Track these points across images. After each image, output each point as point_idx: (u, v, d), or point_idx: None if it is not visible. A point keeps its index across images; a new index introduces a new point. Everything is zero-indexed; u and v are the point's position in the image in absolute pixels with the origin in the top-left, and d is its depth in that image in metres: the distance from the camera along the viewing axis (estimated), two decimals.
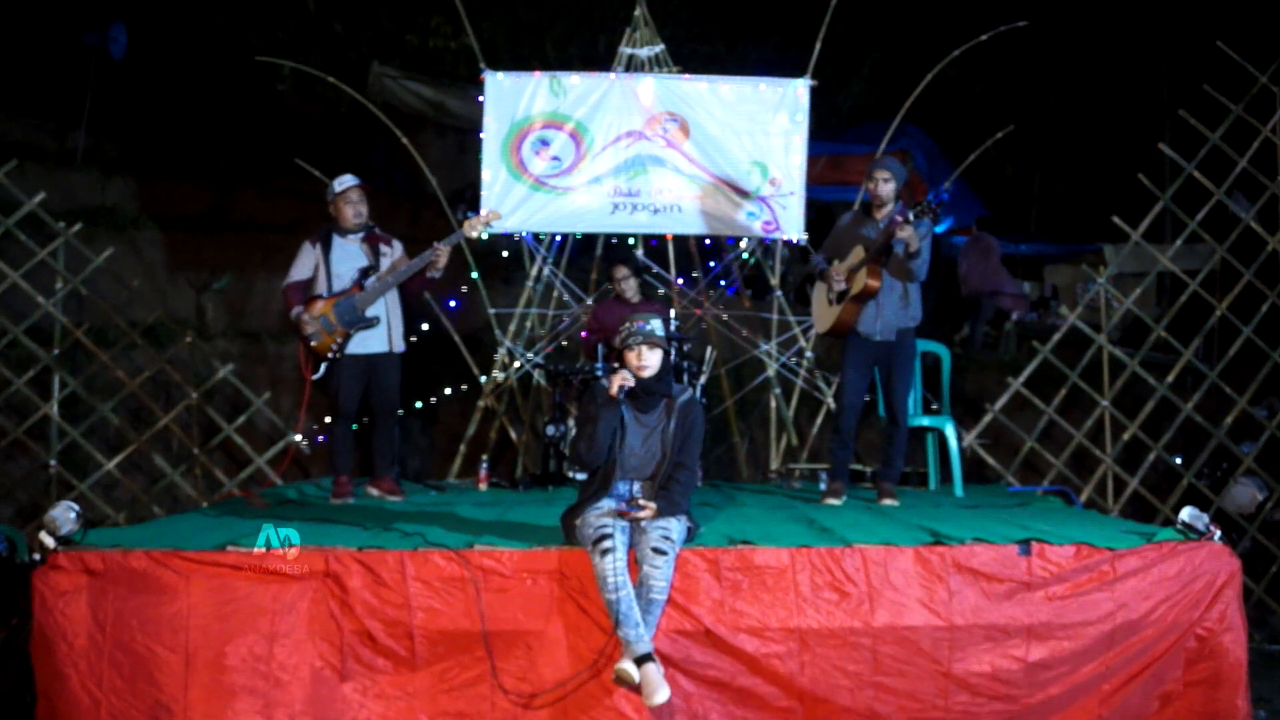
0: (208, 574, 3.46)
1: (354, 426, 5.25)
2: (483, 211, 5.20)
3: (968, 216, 10.17)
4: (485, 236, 6.32)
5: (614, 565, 3.38)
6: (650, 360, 3.73)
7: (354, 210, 5.10)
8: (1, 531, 4.03)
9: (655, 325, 3.76)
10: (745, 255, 7.06)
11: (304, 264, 5.12)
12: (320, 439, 6.55)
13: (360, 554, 3.52)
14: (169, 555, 3.48)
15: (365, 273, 5.07)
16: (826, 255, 5.21)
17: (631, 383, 3.69)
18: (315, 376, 5.07)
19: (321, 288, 5.06)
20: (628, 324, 3.77)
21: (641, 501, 3.64)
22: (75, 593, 3.42)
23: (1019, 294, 9.63)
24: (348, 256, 5.10)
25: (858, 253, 5.02)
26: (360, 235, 5.14)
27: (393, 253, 5.22)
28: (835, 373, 6.12)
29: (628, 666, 3.29)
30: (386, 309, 5.10)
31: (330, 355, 5.01)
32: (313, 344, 5.01)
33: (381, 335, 5.09)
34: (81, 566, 3.44)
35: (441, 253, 5.02)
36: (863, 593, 3.54)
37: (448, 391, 6.88)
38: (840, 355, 5.23)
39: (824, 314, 5.21)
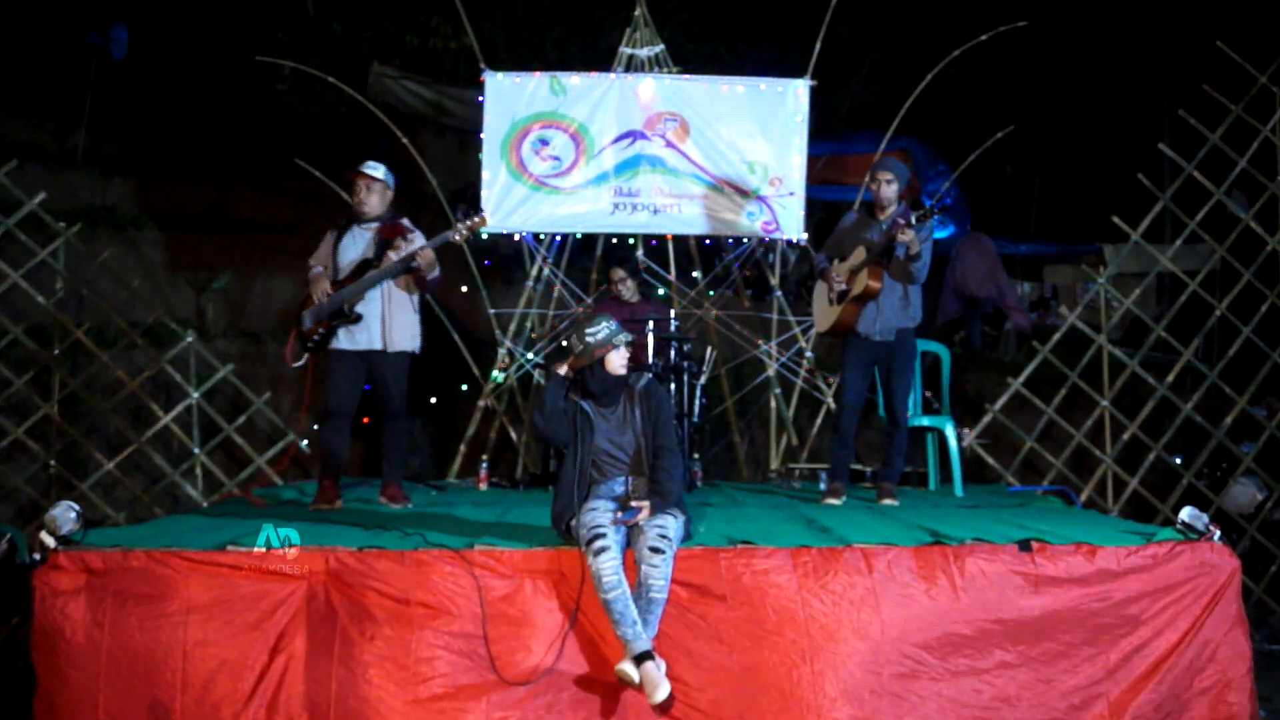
0: (207, 574, 3.46)
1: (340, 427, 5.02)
2: (473, 217, 5.06)
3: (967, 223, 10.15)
4: (484, 235, 6.31)
5: (609, 565, 3.39)
6: (625, 357, 3.80)
7: (356, 198, 4.98)
8: (2, 531, 4.02)
9: (616, 324, 3.81)
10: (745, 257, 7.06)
11: (320, 253, 5.03)
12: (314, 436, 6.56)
13: (360, 554, 3.52)
14: (169, 555, 3.48)
15: (363, 266, 4.88)
16: (828, 255, 5.22)
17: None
18: (297, 364, 4.93)
19: (330, 274, 4.94)
20: (605, 328, 3.73)
21: (634, 504, 3.65)
22: (75, 592, 3.42)
23: (1018, 304, 9.60)
24: (354, 245, 4.95)
25: (859, 253, 5.02)
26: (374, 225, 4.97)
27: (407, 246, 4.92)
28: (835, 372, 6.13)
29: (627, 666, 3.29)
30: (382, 305, 4.86)
31: (310, 344, 4.88)
32: (304, 326, 4.90)
33: (373, 332, 4.86)
34: (81, 566, 3.44)
35: (421, 256, 4.79)
36: (863, 593, 3.54)
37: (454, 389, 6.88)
38: (840, 355, 5.24)
39: (824, 314, 5.22)
